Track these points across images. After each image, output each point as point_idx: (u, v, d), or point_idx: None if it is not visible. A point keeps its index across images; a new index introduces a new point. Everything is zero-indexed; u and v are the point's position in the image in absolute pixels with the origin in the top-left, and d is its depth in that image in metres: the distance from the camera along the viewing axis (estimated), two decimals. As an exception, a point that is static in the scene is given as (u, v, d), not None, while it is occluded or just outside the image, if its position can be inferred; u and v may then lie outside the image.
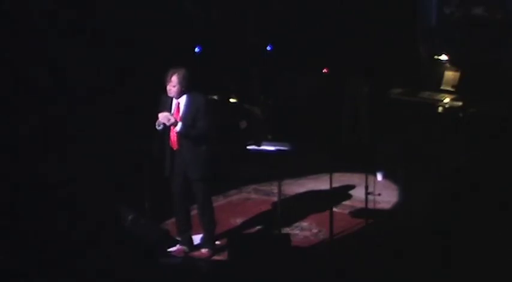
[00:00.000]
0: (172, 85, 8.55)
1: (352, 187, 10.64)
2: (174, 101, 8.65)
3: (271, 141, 9.16)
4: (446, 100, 11.66)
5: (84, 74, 10.93)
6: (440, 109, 11.63)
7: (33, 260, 8.06)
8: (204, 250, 8.91)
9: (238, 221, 9.83)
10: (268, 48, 12.90)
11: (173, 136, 8.65)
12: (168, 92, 8.59)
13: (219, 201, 10.30)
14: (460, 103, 11.54)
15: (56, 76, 10.64)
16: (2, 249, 8.23)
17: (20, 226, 8.76)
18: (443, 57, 12.15)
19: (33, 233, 8.60)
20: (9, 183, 9.52)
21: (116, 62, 10.93)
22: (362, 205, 9.53)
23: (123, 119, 10.77)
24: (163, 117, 8.53)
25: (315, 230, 9.55)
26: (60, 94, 10.64)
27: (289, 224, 9.58)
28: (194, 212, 9.07)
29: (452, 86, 11.81)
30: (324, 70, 12.88)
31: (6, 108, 10.16)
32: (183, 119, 8.57)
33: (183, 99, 8.64)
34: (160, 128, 8.60)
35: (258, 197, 10.68)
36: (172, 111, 8.61)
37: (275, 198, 9.70)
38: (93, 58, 10.93)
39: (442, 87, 11.90)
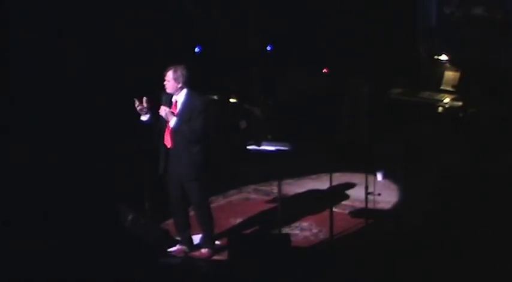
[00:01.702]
0: (167, 80, 8.57)
1: (352, 187, 10.64)
2: (172, 99, 8.65)
3: (271, 141, 9.15)
4: (446, 100, 11.67)
5: (84, 74, 10.95)
6: (440, 109, 11.64)
7: (33, 259, 8.06)
8: (204, 250, 8.90)
9: (238, 221, 9.82)
10: (268, 48, 12.90)
11: (167, 134, 8.64)
12: (165, 87, 8.61)
13: (219, 201, 10.30)
14: (460, 103, 11.55)
15: (57, 75, 10.66)
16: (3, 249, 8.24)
17: (20, 226, 8.77)
18: (443, 57, 12.16)
19: (34, 233, 8.61)
20: (9, 184, 9.53)
21: (116, 62, 10.94)
22: (362, 205, 9.52)
23: (123, 118, 10.77)
24: (161, 110, 8.53)
25: (315, 230, 9.54)
26: (61, 93, 10.65)
27: (289, 224, 9.57)
28: (193, 212, 9.06)
29: (452, 86, 11.82)
30: (324, 70, 12.88)
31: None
32: (178, 116, 8.57)
33: (181, 97, 8.63)
34: (146, 118, 8.57)
35: (258, 197, 10.68)
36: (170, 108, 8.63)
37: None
38: (92, 58, 10.94)
39: (442, 87, 11.91)
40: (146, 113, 8.56)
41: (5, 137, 9.98)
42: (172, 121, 8.54)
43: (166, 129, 8.63)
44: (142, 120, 8.63)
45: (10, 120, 10.16)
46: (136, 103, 8.53)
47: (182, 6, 12.25)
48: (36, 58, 10.54)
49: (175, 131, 8.57)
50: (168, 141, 8.66)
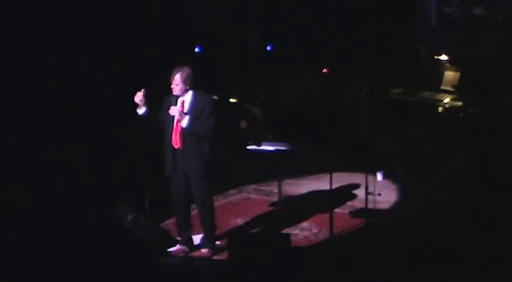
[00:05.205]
0: (176, 83, 8.54)
1: (352, 187, 10.63)
2: (179, 100, 8.62)
3: (271, 141, 9.15)
4: (446, 100, 11.68)
5: (84, 74, 10.96)
6: (440, 109, 11.64)
7: (34, 259, 8.07)
8: (204, 250, 8.90)
9: (238, 221, 9.83)
10: (268, 48, 12.90)
11: (176, 134, 8.61)
12: (173, 90, 8.58)
13: (219, 201, 10.28)
14: (460, 103, 11.56)
15: (60, 77, 10.68)
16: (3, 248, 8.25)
17: (20, 226, 8.78)
18: (443, 57, 12.17)
19: (34, 233, 8.62)
20: (9, 183, 9.54)
21: (116, 62, 10.95)
22: (362, 205, 9.52)
23: (123, 118, 10.77)
24: (173, 110, 8.52)
25: (315, 230, 9.54)
26: (61, 93, 10.67)
27: (289, 224, 9.57)
28: (194, 212, 9.07)
29: (452, 86, 11.82)
30: (324, 70, 12.88)
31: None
32: (189, 115, 8.54)
33: (187, 98, 8.61)
34: (142, 112, 8.55)
35: (258, 197, 10.68)
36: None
37: (275, 198, 9.70)
38: (93, 58, 10.95)
39: (442, 87, 11.92)
40: (143, 106, 8.55)
41: (5, 137, 9.99)
42: (185, 121, 8.50)
43: (174, 130, 8.59)
44: (138, 114, 8.60)
45: (10, 121, 10.17)
46: (137, 96, 8.51)
47: (182, 6, 12.25)
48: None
49: (187, 130, 8.53)
50: (176, 142, 8.62)
